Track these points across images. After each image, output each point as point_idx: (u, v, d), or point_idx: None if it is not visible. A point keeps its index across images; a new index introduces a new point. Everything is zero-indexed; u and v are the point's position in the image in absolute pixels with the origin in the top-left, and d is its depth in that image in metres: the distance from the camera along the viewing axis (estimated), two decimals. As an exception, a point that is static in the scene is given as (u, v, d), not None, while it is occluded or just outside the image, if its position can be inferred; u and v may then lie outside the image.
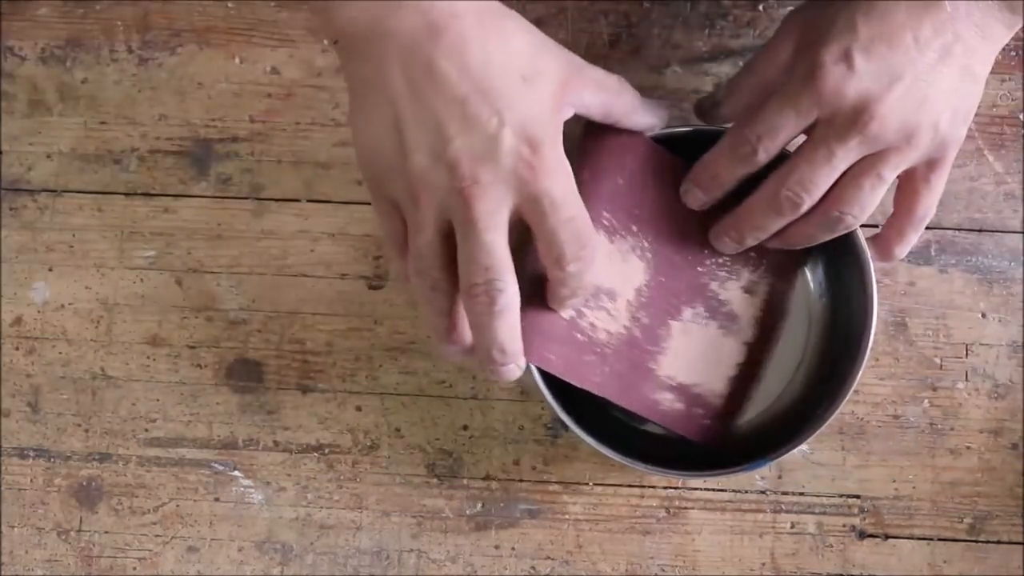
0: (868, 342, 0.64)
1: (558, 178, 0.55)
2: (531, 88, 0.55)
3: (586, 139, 0.64)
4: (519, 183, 0.55)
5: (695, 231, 0.65)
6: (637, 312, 0.64)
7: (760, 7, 0.73)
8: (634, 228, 0.64)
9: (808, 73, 0.58)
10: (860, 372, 0.64)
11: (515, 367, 0.58)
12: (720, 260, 0.66)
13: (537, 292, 0.62)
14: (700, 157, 0.64)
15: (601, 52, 0.72)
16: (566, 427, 0.64)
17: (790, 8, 0.72)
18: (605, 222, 0.63)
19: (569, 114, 0.58)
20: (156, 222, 0.73)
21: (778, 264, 0.68)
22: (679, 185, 0.64)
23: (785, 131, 0.59)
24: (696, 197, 0.64)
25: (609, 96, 0.60)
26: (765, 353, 0.68)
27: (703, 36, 0.73)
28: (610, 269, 0.64)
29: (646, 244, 0.64)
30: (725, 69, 0.72)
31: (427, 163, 0.55)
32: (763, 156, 0.60)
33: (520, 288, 0.58)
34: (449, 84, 0.54)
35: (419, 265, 0.57)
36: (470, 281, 0.56)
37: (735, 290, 0.67)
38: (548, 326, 0.62)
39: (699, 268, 0.66)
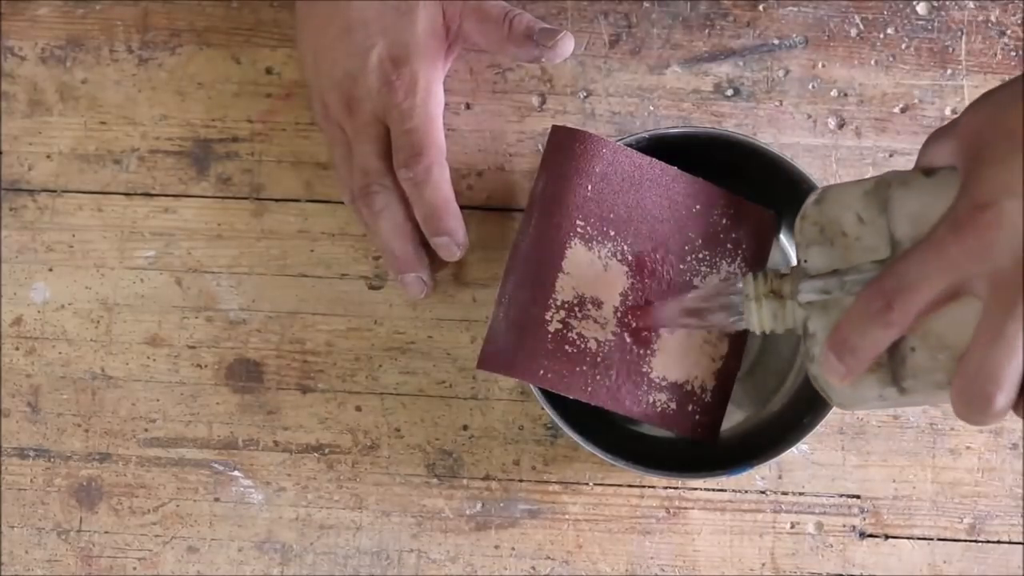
0: None
1: (410, 94, 0.64)
2: (404, 17, 0.65)
3: (549, 149, 0.64)
4: (381, 96, 0.65)
5: (673, 228, 0.66)
6: (625, 317, 0.65)
7: (760, 7, 0.73)
8: (611, 233, 0.64)
9: (963, 215, 0.46)
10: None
11: (415, 277, 0.68)
12: (700, 255, 0.66)
13: (520, 307, 0.63)
14: (692, 158, 0.65)
15: (601, 52, 0.72)
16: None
17: (791, 8, 0.72)
18: (580, 230, 0.63)
19: (457, 46, 0.67)
20: (156, 222, 0.73)
21: (752, 253, 0.68)
22: (654, 185, 0.65)
23: (927, 288, 0.48)
24: (834, 368, 0.51)
25: (492, 25, 0.65)
26: (743, 341, 0.68)
27: (703, 36, 0.73)
28: (592, 277, 0.64)
29: (626, 248, 0.64)
30: (725, 69, 0.72)
31: (329, 85, 0.66)
32: (898, 317, 0.48)
33: (503, 303, 0.63)
34: (340, 20, 0.65)
35: (355, 165, 0.67)
36: (353, 188, 0.67)
37: (716, 283, 0.67)
38: (536, 342, 0.62)
39: (681, 265, 0.66)
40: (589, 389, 0.64)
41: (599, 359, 0.64)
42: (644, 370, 0.65)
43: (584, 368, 0.63)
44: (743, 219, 0.67)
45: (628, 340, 0.65)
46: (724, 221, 0.67)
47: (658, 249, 0.65)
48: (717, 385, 0.68)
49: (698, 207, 0.66)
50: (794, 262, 0.70)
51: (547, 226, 0.63)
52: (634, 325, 0.65)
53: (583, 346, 0.63)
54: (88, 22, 0.74)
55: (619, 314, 0.64)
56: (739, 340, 0.68)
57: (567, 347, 0.63)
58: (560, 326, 0.63)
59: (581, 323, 0.63)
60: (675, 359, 0.66)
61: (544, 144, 0.66)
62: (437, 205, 0.65)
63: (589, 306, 0.64)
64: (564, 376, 0.63)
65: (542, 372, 0.62)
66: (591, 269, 0.64)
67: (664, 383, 0.66)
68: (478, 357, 0.64)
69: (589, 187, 0.63)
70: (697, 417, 0.67)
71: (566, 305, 0.63)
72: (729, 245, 0.67)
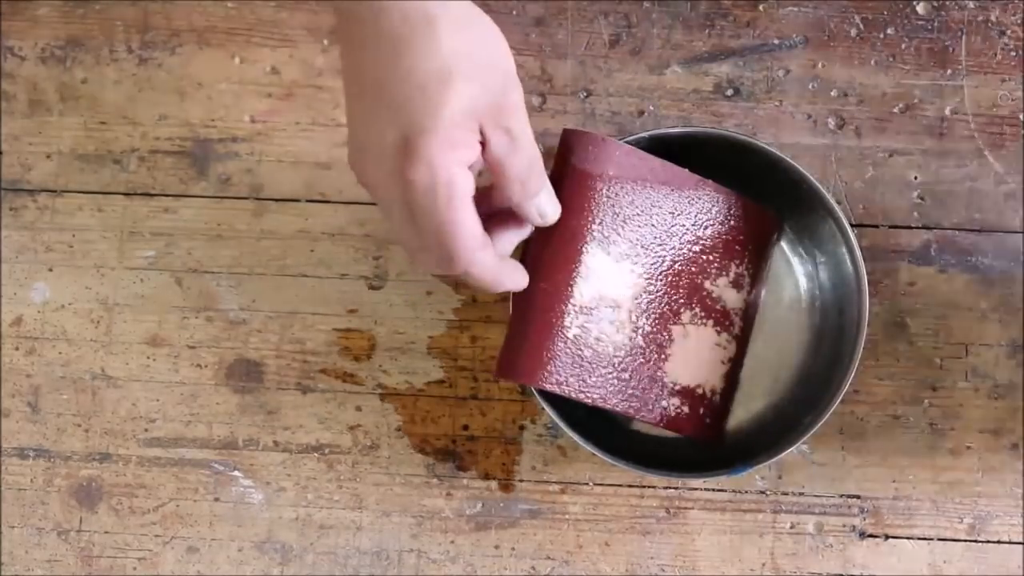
0: (860, 343, 0.64)
1: (429, 192, 0.55)
2: (431, 98, 0.54)
3: (561, 153, 0.64)
4: (397, 187, 0.55)
5: (685, 231, 0.65)
6: (638, 320, 0.64)
7: (760, 7, 0.73)
8: (626, 236, 0.64)
9: None
10: (853, 371, 0.64)
11: (512, 280, 0.60)
12: (711, 257, 0.66)
13: (538, 313, 0.62)
14: (692, 158, 0.65)
15: (601, 52, 0.72)
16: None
17: (791, 8, 0.72)
18: (596, 234, 0.63)
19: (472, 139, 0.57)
20: (156, 222, 0.73)
21: (756, 253, 0.68)
22: (665, 187, 0.65)
23: None
24: None
25: (512, 163, 0.57)
26: (747, 342, 0.69)
27: (703, 36, 0.73)
28: (608, 282, 0.64)
29: (640, 251, 0.64)
30: (725, 69, 0.72)
31: (351, 149, 0.57)
32: None
33: (521, 309, 0.62)
34: (362, 73, 0.55)
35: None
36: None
37: (725, 286, 0.67)
38: (557, 349, 0.62)
39: (693, 268, 0.66)
40: (607, 395, 0.63)
41: (616, 363, 0.64)
42: (658, 374, 0.65)
43: (602, 373, 0.63)
44: (748, 220, 0.67)
45: (642, 344, 0.65)
46: (731, 222, 0.67)
47: (671, 252, 0.65)
48: (726, 387, 0.68)
49: (709, 209, 0.66)
50: (795, 263, 0.70)
51: (563, 231, 0.63)
52: (647, 329, 0.65)
53: (600, 351, 0.63)
54: (88, 22, 0.74)
55: (633, 318, 0.64)
56: (744, 341, 0.68)
57: (585, 352, 0.63)
58: (579, 331, 0.62)
59: (598, 327, 0.63)
60: (689, 363, 0.66)
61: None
62: (487, 288, 0.60)
63: (605, 310, 0.63)
64: (583, 383, 0.62)
65: (562, 380, 0.62)
66: (607, 273, 0.63)
67: (677, 387, 0.66)
68: (496, 365, 0.64)
69: (604, 191, 0.63)
70: (708, 420, 0.67)
71: (584, 310, 0.63)
72: (736, 246, 0.67)
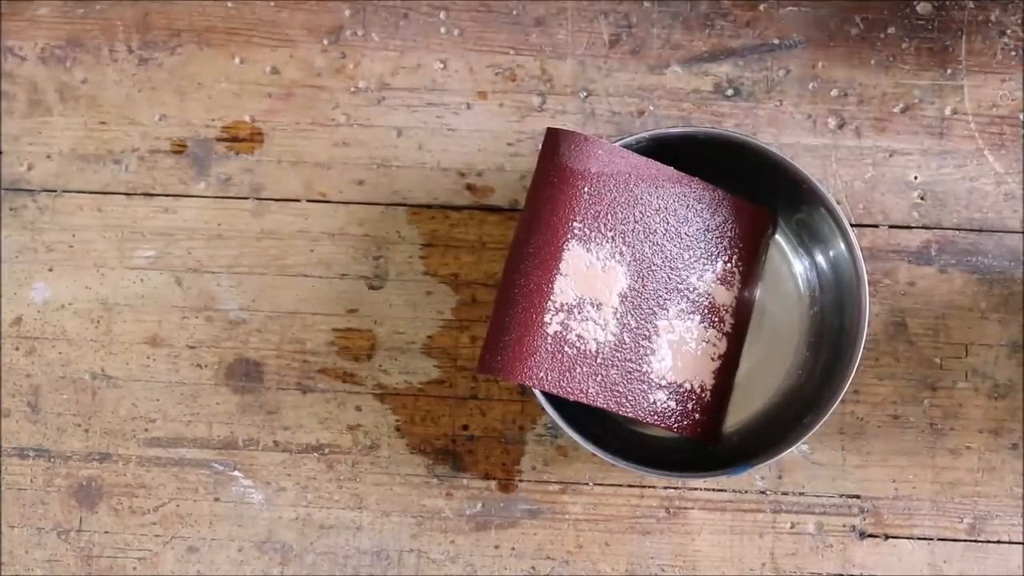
0: (860, 343, 0.64)
1: None
2: None
3: (544, 151, 0.64)
4: None
5: (669, 228, 0.66)
6: (624, 317, 0.65)
7: (760, 7, 0.73)
8: (609, 234, 0.64)
9: None
10: (853, 371, 0.64)
11: None
12: (696, 253, 0.67)
13: (519, 309, 0.63)
14: (692, 158, 0.65)
15: (601, 52, 0.72)
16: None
17: (791, 8, 0.72)
18: (576, 231, 0.63)
19: None
20: (156, 222, 0.73)
21: (748, 251, 0.68)
22: (650, 184, 0.65)
23: None
24: None
25: None
26: (742, 341, 0.69)
27: (703, 36, 0.73)
28: (590, 279, 0.64)
29: (623, 248, 0.65)
30: (725, 69, 0.72)
31: None
32: None
33: (502, 306, 0.62)
34: None
35: None
36: None
37: (712, 282, 0.67)
38: (535, 345, 0.62)
39: (678, 264, 0.66)
40: (590, 391, 0.64)
41: (599, 360, 0.64)
42: (644, 370, 0.65)
43: (584, 370, 0.63)
44: (738, 218, 0.68)
45: (627, 340, 0.65)
46: (719, 220, 0.67)
47: (655, 249, 0.66)
48: (717, 384, 0.68)
49: (694, 206, 0.66)
50: (795, 263, 0.70)
51: (544, 228, 0.64)
52: (633, 325, 0.65)
53: (582, 348, 0.64)
54: (88, 22, 0.74)
55: (618, 315, 0.65)
56: (738, 339, 0.68)
57: (567, 348, 0.63)
58: (559, 328, 0.63)
59: (580, 325, 0.63)
60: (675, 359, 0.66)
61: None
62: None
63: (588, 307, 0.64)
64: (564, 379, 0.63)
65: (542, 375, 0.63)
66: (589, 270, 0.64)
67: (663, 383, 0.66)
68: (478, 360, 0.64)
69: (585, 188, 0.63)
70: (697, 416, 0.67)
71: (565, 307, 0.63)
72: (724, 243, 0.67)
